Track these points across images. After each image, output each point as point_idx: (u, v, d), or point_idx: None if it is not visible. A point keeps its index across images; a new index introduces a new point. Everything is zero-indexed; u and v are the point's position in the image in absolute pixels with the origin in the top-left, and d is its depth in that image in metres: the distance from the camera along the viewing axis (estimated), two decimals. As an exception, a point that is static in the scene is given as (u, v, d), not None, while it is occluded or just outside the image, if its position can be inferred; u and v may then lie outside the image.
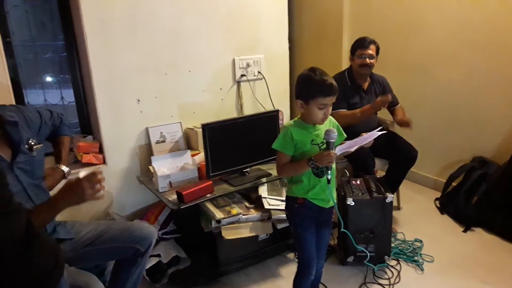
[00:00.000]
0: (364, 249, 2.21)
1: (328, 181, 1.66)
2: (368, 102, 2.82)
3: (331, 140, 1.58)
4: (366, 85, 2.86)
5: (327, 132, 1.58)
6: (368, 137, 1.68)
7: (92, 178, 1.34)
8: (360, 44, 2.76)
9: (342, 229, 1.96)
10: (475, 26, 2.89)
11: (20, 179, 1.43)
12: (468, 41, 2.96)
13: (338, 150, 1.61)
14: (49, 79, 2.63)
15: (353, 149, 1.69)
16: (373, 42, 2.75)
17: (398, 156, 2.78)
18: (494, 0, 2.75)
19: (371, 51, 2.73)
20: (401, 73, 3.41)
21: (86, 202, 1.35)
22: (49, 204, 1.37)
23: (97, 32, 2.26)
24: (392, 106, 2.95)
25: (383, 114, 2.97)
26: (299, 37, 4.12)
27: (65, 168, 1.78)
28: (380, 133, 1.70)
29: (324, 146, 1.65)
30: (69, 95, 2.59)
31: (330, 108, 1.65)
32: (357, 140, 1.67)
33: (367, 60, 2.73)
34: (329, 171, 1.63)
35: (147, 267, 2.05)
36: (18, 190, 1.42)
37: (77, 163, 2.41)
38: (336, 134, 1.59)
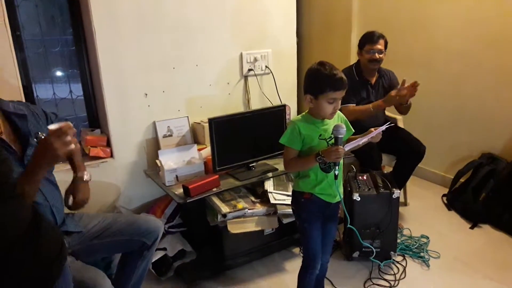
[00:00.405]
0: (370, 245, 2.21)
1: (336, 176, 1.65)
2: (375, 96, 2.80)
3: (340, 136, 1.56)
4: (373, 79, 2.84)
5: (336, 128, 1.57)
6: (375, 132, 1.68)
7: (59, 132, 1.25)
8: (369, 39, 2.73)
9: (349, 225, 1.96)
10: (483, 22, 2.85)
11: None
12: (476, 36, 2.92)
13: (346, 147, 1.61)
14: (58, 73, 2.65)
15: (361, 143, 1.68)
16: (382, 36, 2.72)
17: (405, 151, 2.77)
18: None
19: (380, 46, 2.70)
20: (409, 68, 3.37)
21: (61, 159, 1.29)
22: (26, 174, 1.29)
23: (106, 26, 2.28)
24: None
25: (390, 110, 2.95)
26: (308, 31, 4.10)
27: (86, 176, 1.58)
28: (386, 126, 1.69)
29: (332, 141, 1.63)
30: (77, 89, 2.61)
31: (339, 102, 1.64)
32: (364, 139, 1.67)
33: (377, 55, 2.70)
34: (337, 167, 1.62)
35: (153, 260, 2.07)
36: None
37: (84, 156, 2.44)
38: (345, 129, 1.58)
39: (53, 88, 2.61)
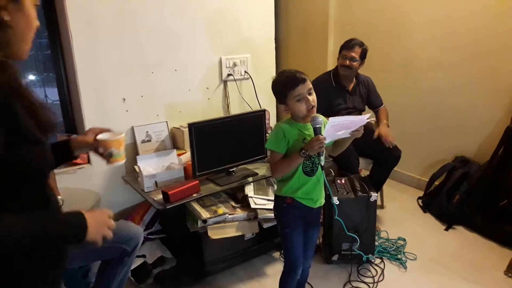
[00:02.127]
0: (354, 235, 2.14)
1: (322, 167, 1.65)
2: (352, 103, 2.85)
3: (318, 126, 1.58)
4: (351, 86, 2.88)
5: (313, 119, 1.59)
6: (356, 121, 1.64)
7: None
8: (345, 45, 2.78)
9: (336, 217, 1.92)
10: (458, 30, 2.95)
11: None
12: (451, 44, 3.02)
13: (326, 134, 1.60)
14: (32, 77, 2.59)
15: (341, 133, 1.66)
16: (360, 45, 2.75)
17: (382, 156, 2.82)
18: (477, 6, 2.81)
19: (354, 53, 2.73)
20: (386, 74, 3.46)
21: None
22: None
23: (83, 30, 2.24)
24: (376, 107, 3.00)
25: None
26: (285, 38, 4.14)
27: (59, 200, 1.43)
28: (368, 120, 1.68)
29: None
30: (53, 94, 2.55)
31: (312, 97, 1.64)
32: (342, 119, 1.63)
33: (348, 61, 2.74)
34: (321, 157, 1.61)
35: (132, 267, 2.04)
36: None
37: (61, 162, 2.39)
38: (321, 119, 1.60)
39: (27, 93, 2.54)
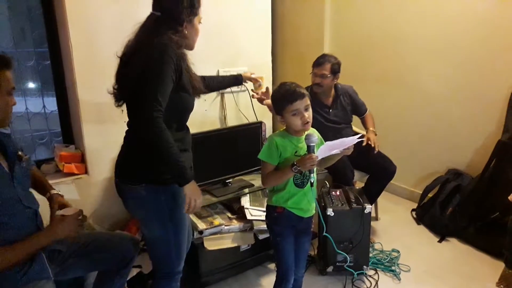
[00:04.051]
0: (344, 254, 2.22)
1: (311, 184, 1.69)
2: (334, 116, 2.84)
3: (312, 144, 1.62)
4: (330, 100, 2.86)
5: (307, 137, 1.63)
6: (347, 142, 1.70)
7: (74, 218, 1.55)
8: (315, 63, 2.76)
9: (324, 233, 1.98)
10: (451, 44, 3.01)
11: (17, 190, 1.45)
12: (445, 57, 3.08)
13: (319, 153, 1.65)
14: (31, 85, 2.61)
15: (333, 152, 1.72)
16: (330, 61, 2.71)
17: (377, 169, 2.83)
18: (471, 20, 2.87)
19: (324, 71, 2.70)
20: (381, 86, 3.51)
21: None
22: (24, 243, 1.43)
23: (83, 42, 2.28)
24: (361, 115, 3.00)
25: (358, 125, 3.04)
26: (282, 50, 4.19)
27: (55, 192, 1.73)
28: (359, 140, 1.74)
29: None
30: (51, 104, 2.57)
31: (308, 113, 1.68)
32: (336, 142, 1.69)
33: (317, 79, 2.74)
34: (312, 174, 1.66)
35: (128, 278, 2.04)
36: (15, 202, 1.43)
37: (58, 172, 2.40)
38: (316, 138, 1.64)
39: (26, 103, 2.57)
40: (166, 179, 1.55)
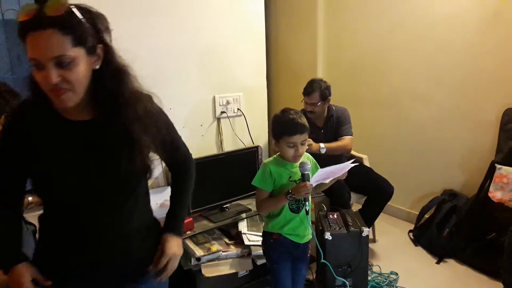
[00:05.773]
0: (343, 280, 2.23)
1: (307, 212, 1.70)
2: (325, 138, 2.84)
3: (306, 172, 1.64)
4: (322, 122, 2.92)
5: (301, 165, 1.66)
6: (342, 168, 1.74)
7: None
8: (304, 91, 2.81)
9: (322, 260, 1.99)
10: (444, 67, 3.07)
11: None
12: (435, 80, 3.14)
13: (313, 181, 1.67)
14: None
15: (328, 181, 1.75)
16: (318, 88, 2.76)
17: (374, 192, 2.85)
18: (460, 44, 2.95)
19: (313, 100, 2.76)
20: (375, 109, 3.56)
21: None
22: None
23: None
24: (339, 136, 2.89)
25: (355, 149, 3.06)
26: (276, 74, 4.26)
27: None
28: (353, 165, 1.77)
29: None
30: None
31: (304, 147, 1.72)
32: (331, 169, 1.71)
33: (309, 107, 2.80)
34: (307, 202, 1.67)
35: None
36: None
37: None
38: (310, 166, 1.67)
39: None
40: None
